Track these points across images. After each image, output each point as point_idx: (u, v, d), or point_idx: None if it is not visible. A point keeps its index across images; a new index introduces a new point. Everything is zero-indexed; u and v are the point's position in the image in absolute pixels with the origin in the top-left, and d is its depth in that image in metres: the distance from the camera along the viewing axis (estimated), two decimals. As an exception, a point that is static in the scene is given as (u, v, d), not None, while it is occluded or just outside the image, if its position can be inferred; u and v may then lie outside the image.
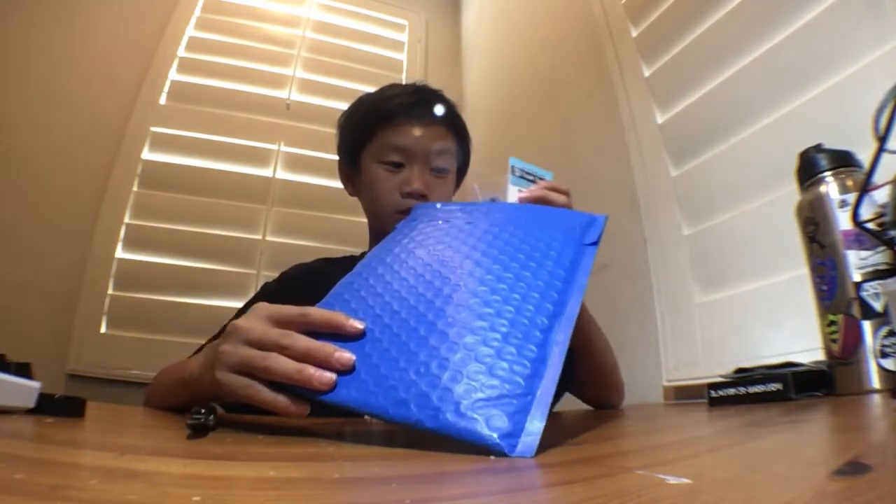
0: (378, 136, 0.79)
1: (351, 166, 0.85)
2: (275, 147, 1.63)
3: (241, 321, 0.38)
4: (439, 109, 0.82)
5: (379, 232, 0.81)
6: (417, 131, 0.78)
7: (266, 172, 1.60)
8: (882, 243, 0.50)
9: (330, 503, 0.17)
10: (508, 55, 1.67)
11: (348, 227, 1.48)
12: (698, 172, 0.92)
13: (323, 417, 0.48)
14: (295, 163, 1.63)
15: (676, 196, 0.96)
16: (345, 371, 0.33)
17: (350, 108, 0.86)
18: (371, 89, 0.86)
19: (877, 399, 0.47)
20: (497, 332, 0.32)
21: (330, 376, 0.33)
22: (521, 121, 1.51)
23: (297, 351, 0.35)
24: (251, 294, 0.93)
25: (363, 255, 0.86)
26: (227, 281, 1.47)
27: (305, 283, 0.78)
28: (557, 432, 0.39)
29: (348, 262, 0.85)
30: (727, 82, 0.88)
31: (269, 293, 0.78)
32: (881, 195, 0.50)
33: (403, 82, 0.90)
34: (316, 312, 0.37)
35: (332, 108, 1.71)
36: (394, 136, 0.78)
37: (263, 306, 0.39)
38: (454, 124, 0.84)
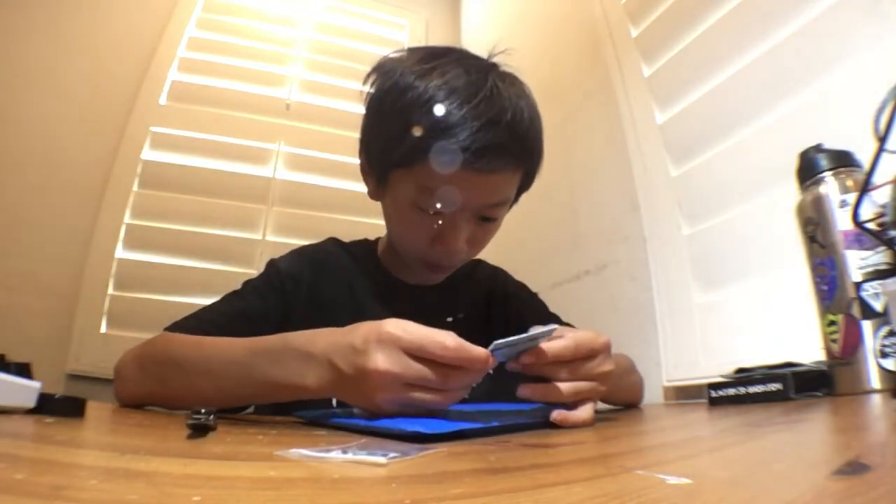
0: (421, 168, 0.57)
1: (375, 174, 0.66)
2: (275, 147, 1.63)
3: (383, 362, 0.39)
4: (518, 150, 0.59)
5: (399, 255, 0.72)
6: (478, 183, 0.57)
7: (266, 172, 1.60)
8: (882, 243, 0.50)
9: (330, 503, 0.17)
10: (508, 55, 1.66)
11: (349, 227, 1.46)
12: (698, 172, 0.92)
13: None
14: (295, 163, 1.63)
15: (676, 196, 0.96)
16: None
17: (383, 90, 0.60)
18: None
19: (877, 399, 0.47)
20: None
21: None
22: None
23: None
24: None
25: (378, 241, 0.80)
26: (227, 281, 1.45)
27: (315, 264, 0.73)
28: (557, 432, 0.39)
29: (361, 247, 0.78)
30: (727, 82, 0.88)
31: (277, 271, 0.71)
32: (881, 195, 0.50)
33: (471, 55, 0.64)
34: (455, 350, 0.39)
35: (333, 108, 1.71)
36: (442, 183, 0.57)
37: (400, 337, 0.40)
38: (531, 160, 0.63)
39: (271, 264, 0.73)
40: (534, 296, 0.85)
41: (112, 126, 1.49)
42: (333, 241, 0.78)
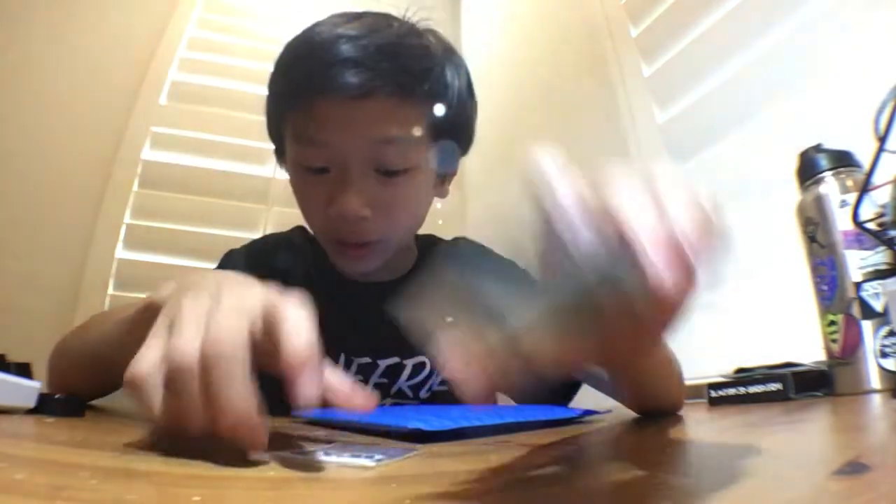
0: (293, 115, 0.52)
1: (278, 156, 0.60)
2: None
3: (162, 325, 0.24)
4: (388, 67, 0.48)
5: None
6: (350, 112, 0.48)
7: (266, 172, 1.60)
8: (882, 243, 0.50)
9: (330, 503, 0.17)
10: (508, 55, 1.67)
11: (348, 227, 1.48)
12: (698, 172, 0.92)
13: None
14: (295, 163, 1.63)
15: (676, 196, 0.96)
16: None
17: (282, 51, 0.56)
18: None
19: (877, 399, 0.47)
20: None
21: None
22: (520, 121, 1.51)
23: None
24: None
25: None
26: (227, 281, 1.47)
27: (270, 255, 0.64)
28: (558, 433, 0.39)
29: None
30: (727, 82, 0.88)
31: (229, 259, 0.63)
32: (881, 195, 0.50)
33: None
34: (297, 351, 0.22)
35: (332, 108, 1.71)
36: (308, 121, 0.49)
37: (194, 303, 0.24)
38: (417, 83, 0.50)
39: (227, 255, 0.66)
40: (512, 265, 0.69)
41: (112, 126, 1.49)
42: (299, 231, 0.66)
